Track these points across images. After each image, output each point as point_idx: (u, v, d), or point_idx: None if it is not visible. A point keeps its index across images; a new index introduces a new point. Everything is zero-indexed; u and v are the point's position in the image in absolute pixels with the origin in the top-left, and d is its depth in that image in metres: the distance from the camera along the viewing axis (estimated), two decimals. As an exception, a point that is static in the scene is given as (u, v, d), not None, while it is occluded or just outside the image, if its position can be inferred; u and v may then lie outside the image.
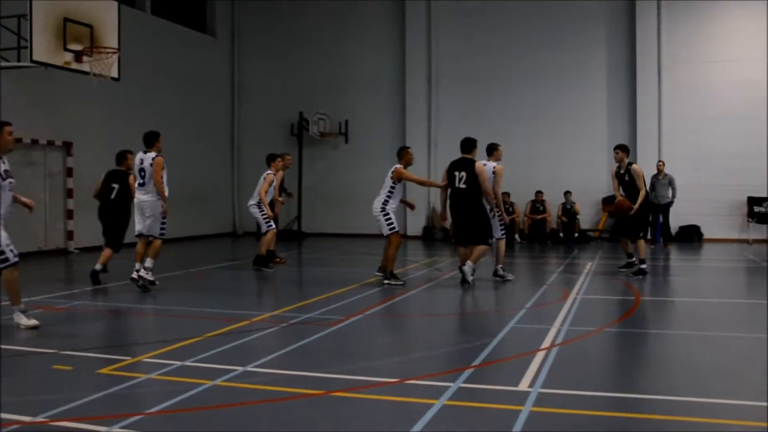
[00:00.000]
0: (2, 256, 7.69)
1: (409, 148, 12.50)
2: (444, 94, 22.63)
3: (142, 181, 11.04)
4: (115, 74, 14.10)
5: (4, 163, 7.91)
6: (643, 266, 12.38)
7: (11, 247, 7.76)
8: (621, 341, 7.73)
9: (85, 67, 13.60)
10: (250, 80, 24.86)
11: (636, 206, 12.25)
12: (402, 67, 22.95)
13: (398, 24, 23.07)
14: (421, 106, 22.67)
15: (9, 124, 8.04)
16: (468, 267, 11.11)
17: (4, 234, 7.74)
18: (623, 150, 12.87)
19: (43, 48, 12.78)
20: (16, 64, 13.67)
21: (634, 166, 12.61)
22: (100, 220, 12.15)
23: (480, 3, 22.19)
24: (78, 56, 13.38)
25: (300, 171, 23.13)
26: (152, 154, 11.09)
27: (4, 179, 7.87)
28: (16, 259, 7.78)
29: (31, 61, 12.72)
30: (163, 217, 11.13)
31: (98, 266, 11.47)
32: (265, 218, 13.38)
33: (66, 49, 13.19)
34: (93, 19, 13.70)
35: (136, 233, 11.16)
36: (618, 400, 5.38)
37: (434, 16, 22.61)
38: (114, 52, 13.84)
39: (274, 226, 13.56)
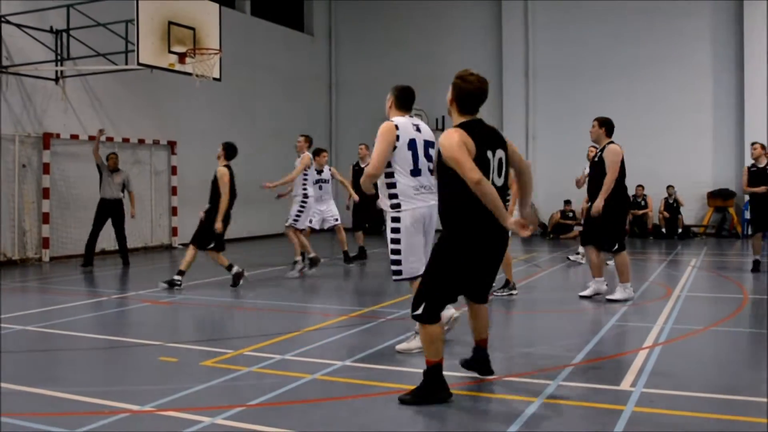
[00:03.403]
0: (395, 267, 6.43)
1: None
2: (541, 88, 22.30)
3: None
4: (216, 75, 14.42)
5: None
6: None
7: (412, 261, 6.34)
8: (728, 341, 7.45)
9: (188, 69, 13.95)
10: (347, 77, 25.11)
11: None
12: (499, 62, 22.73)
13: (494, 18, 22.86)
14: (519, 100, 22.41)
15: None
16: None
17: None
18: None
19: (149, 51, 13.18)
20: (124, 67, 14.17)
21: None
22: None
23: (578, -6, 21.81)
24: (181, 58, 13.75)
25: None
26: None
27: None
28: (403, 276, 6.43)
29: (138, 64, 13.12)
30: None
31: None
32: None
33: (170, 52, 13.57)
34: (195, 22, 14.05)
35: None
36: (724, 402, 5.19)
37: (531, 9, 22.31)
38: (215, 53, 14.17)
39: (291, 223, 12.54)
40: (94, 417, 4.79)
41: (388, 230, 6.44)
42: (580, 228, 20.53)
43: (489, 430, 4.60)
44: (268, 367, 6.10)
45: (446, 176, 4.99)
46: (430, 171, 6.44)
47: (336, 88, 25.26)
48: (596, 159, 9.66)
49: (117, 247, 14.63)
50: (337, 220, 13.60)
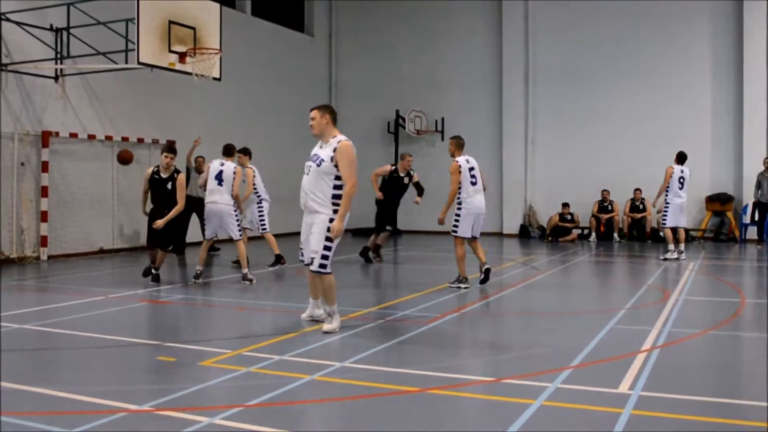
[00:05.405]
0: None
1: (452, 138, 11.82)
2: (541, 91, 22.31)
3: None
4: (216, 74, 14.41)
5: None
6: None
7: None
8: (726, 344, 7.46)
9: (188, 68, 13.93)
10: (347, 79, 25.13)
11: None
12: (498, 64, 22.75)
13: (495, 21, 22.86)
14: (518, 103, 22.41)
15: None
16: None
17: None
18: None
19: (149, 50, 13.16)
20: (124, 66, 14.14)
21: None
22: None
23: (578, -2, 21.84)
24: (181, 57, 13.74)
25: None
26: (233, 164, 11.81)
27: None
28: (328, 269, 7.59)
29: (138, 63, 13.11)
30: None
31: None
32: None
33: (170, 51, 13.55)
34: (196, 21, 14.03)
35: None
36: (723, 406, 5.19)
37: (531, 12, 22.32)
38: (216, 53, 14.16)
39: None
40: (93, 416, 4.78)
41: (323, 230, 7.42)
42: (578, 231, 20.71)
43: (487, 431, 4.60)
44: (267, 368, 6.10)
45: None
46: None
47: (336, 89, 25.27)
48: None
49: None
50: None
